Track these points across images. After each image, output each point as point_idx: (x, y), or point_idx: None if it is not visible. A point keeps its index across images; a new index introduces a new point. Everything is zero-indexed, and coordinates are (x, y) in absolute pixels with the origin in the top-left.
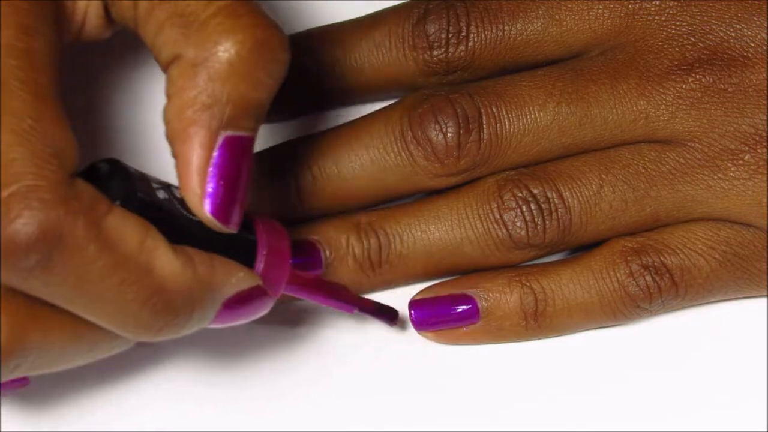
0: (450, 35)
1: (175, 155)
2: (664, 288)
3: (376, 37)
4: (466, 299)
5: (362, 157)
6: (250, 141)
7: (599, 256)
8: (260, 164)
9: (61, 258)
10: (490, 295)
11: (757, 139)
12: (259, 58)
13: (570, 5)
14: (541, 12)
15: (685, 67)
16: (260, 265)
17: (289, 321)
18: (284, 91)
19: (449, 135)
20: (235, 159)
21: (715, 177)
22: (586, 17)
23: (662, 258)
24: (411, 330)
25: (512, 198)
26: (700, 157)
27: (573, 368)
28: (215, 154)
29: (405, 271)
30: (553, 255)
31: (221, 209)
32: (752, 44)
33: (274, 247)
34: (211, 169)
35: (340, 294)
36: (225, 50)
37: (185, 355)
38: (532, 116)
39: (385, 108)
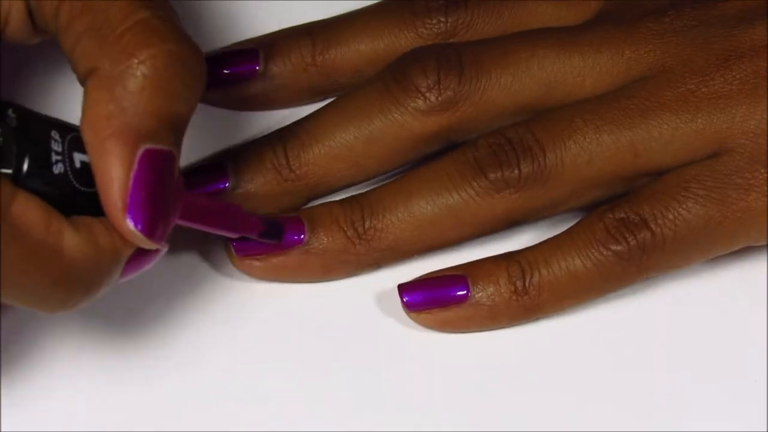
0: (449, 3)
1: (94, 170)
2: (641, 237)
3: (374, 13)
4: (456, 279)
5: (351, 116)
6: (171, 155)
7: (579, 224)
8: (253, 146)
9: None
10: (479, 273)
11: (725, 58)
12: (174, 72)
13: None
14: None
15: (658, 11)
16: None
17: (288, 320)
18: (277, 65)
19: (430, 71)
20: (157, 173)
21: (688, 103)
22: None
23: (634, 208)
24: (408, 331)
25: (486, 144)
26: (670, 85)
27: (573, 370)
28: (135, 167)
29: (392, 237)
30: (546, 228)
31: (145, 223)
32: None
33: None
34: (131, 183)
35: (227, 218)
36: (139, 62)
37: (185, 354)
38: (513, 57)
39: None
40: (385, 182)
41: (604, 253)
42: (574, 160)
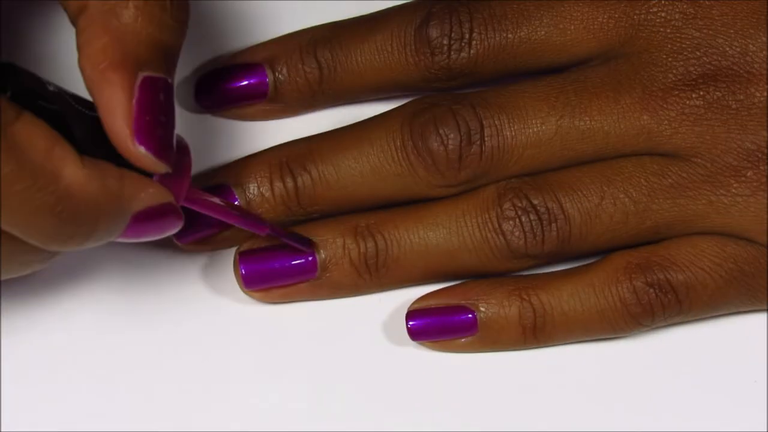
0: (452, 41)
1: (97, 104)
2: (668, 305)
3: (378, 40)
4: (465, 310)
5: (362, 165)
6: (168, 84)
7: (601, 272)
8: (259, 167)
9: None
10: (489, 307)
11: (760, 155)
12: (162, 3)
13: (575, 14)
14: (545, 20)
15: (689, 83)
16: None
17: (287, 321)
18: (284, 90)
19: (450, 146)
20: (157, 98)
21: (717, 193)
22: (591, 27)
23: (667, 275)
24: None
25: (511, 207)
26: (702, 172)
27: (572, 372)
28: (136, 93)
29: (402, 276)
30: (553, 266)
31: (154, 145)
32: (757, 60)
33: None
34: (135, 108)
35: (252, 215)
36: None
37: (185, 354)
38: (535, 129)
39: (385, 114)
40: (398, 212)
41: (624, 312)
42: (597, 237)
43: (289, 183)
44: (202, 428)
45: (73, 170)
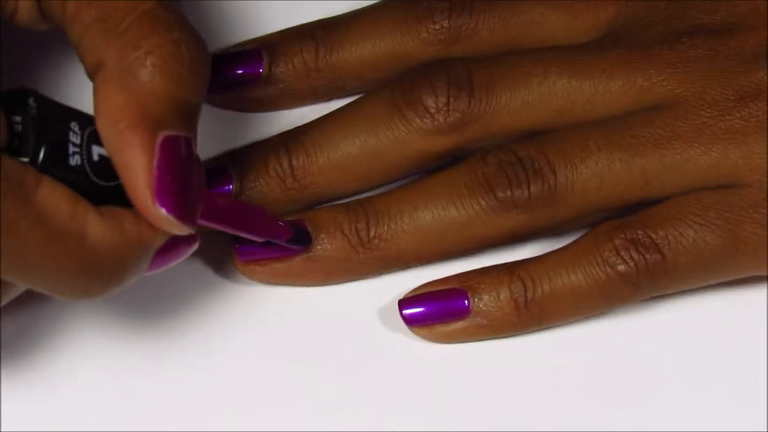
0: (454, 3)
1: (116, 165)
2: (651, 260)
3: (376, 13)
4: (457, 293)
5: (357, 129)
6: (189, 141)
7: (585, 239)
8: (256, 149)
9: None
10: (481, 287)
11: (743, 95)
12: (181, 59)
13: None
14: None
15: (672, 38)
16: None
17: (285, 321)
18: (281, 70)
19: (439, 90)
20: (178, 158)
21: (702, 134)
22: (591, 2)
23: (647, 231)
24: (406, 333)
25: (496, 162)
26: (685, 117)
27: (571, 371)
28: (157, 155)
29: (396, 247)
30: (548, 238)
31: (176, 207)
32: (734, 14)
33: None
34: (156, 170)
35: (254, 221)
36: (147, 53)
37: (185, 354)
38: (524, 81)
39: (377, 87)
40: (390, 189)
41: (610, 273)
42: (584, 184)
43: (284, 158)
44: (203, 427)
45: (96, 227)
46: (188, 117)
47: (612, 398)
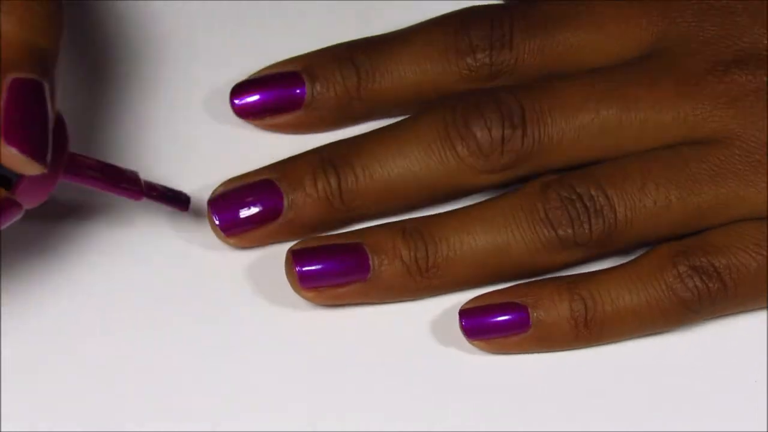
0: (494, 41)
1: None
2: (713, 288)
3: (417, 43)
4: (517, 308)
5: (407, 155)
6: (40, 85)
7: (647, 261)
8: (302, 166)
9: None
10: (541, 303)
11: None
12: (31, 6)
13: (611, 13)
14: (584, 20)
15: (721, 68)
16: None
17: (286, 319)
18: (322, 97)
19: (494, 130)
20: (28, 102)
21: (757, 173)
22: (627, 25)
23: (710, 258)
24: (415, 331)
25: (557, 197)
26: (740, 153)
27: (574, 372)
28: (4, 95)
29: (452, 275)
30: (600, 262)
31: (23, 145)
32: None
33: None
34: (3, 110)
35: (124, 179)
36: None
37: (185, 354)
38: (573, 115)
39: (426, 107)
40: (446, 213)
41: (673, 299)
42: (643, 224)
43: (333, 179)
44: (201, 427)
45: None
46: (41, 62)
47: (612, 398)
